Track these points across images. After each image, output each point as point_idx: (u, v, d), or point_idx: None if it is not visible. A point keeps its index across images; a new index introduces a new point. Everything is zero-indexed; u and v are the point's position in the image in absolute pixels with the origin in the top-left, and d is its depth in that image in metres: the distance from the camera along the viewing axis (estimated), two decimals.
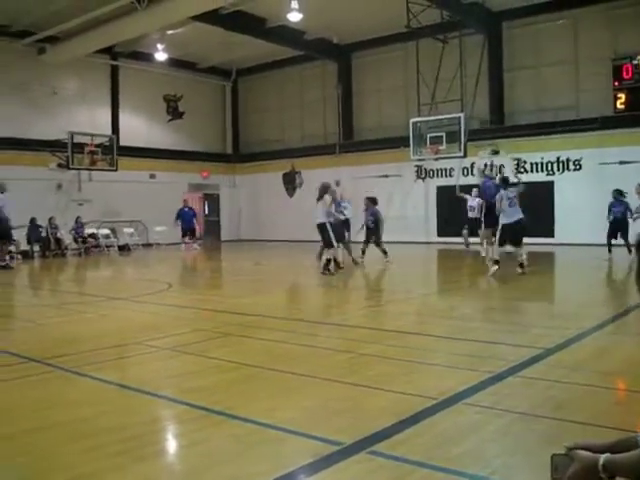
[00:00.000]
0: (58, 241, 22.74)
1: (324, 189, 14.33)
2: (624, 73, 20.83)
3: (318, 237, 14.47)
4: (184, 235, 25.06)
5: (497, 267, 13.01)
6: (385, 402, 4.54)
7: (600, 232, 18.52)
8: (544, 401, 4.46)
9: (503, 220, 13.10)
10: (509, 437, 3.83)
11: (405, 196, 24.68)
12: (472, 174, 23.81)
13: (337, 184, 26.15)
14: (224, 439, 3.84)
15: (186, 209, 25.32)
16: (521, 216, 13.02)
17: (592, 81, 21.78)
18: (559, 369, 5.32)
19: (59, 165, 24.54)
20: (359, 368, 5.64)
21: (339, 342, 6.73)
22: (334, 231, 14.22)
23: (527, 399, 4.52)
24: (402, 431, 3.87)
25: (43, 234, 22.56)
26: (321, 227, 14.12)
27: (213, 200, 32.11)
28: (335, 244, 14.27)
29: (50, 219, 22.65)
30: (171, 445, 4.01)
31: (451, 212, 21.59)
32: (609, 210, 16.69)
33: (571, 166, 22.04)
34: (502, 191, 13.15)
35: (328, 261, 14.16)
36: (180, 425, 4.27)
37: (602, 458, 1.88)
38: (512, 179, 14.17)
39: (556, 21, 22.75)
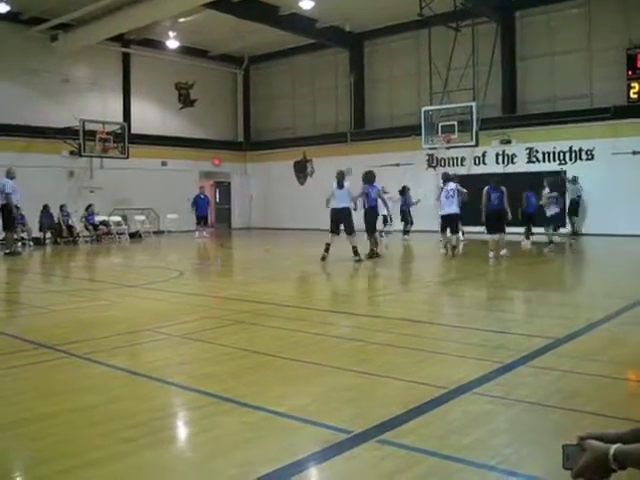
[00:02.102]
0: (70, 228, 22.84)
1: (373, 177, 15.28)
2: (638, 62, 20.67)
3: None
4: (198, 222, 25.11)
5: (445, 251, 15.27)
6: (395, 391, 4.54)
7: (612, 222, 18.49)
8: (555, 391, 4.45)
9: (440, 211, 15.52)
10: (519, 427, 3.82)
11: (416, 185, 24.62)
12: (484, 163, 23.81)
13: (349, 172, 26.20)
14: (234, 426, 3.85)
15: (202, 196, 25.38)
16: (455, 211, 15.27)
17: (606, 70, 21.63)
18: (570, 359, 5.31)
19: (71, 152, 24.63)
20: (369, 357, 5.64)
21: (349, 330, 6.73)
22: (368, 221, 15.18)
23: (538, 389, 4.51)
24: (411, 420, 3.86)
25: (55, 221, 22.67)
26: (347, 212, 14.34)
27: (224, 188, 32.17)
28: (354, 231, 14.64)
29: (62, 206, 22.74)
30: (182, 432, 4.03)
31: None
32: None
33: (583, 156, 21.91)
34: (445, 185, 15.45)
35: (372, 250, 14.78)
36: (190, 412, 4.28)
37: (613, 448, 1.87)
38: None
39: (570, 9, 22.59)
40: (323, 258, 14.02)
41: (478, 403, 4.22)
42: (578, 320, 7.19)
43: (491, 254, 14.24)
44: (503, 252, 14.39)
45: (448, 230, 15.27)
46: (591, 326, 6.74)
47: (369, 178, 15.31)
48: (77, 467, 3.26)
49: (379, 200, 15.69)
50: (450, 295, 10.19)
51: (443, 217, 15.33)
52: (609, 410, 4.02)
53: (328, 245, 14.15)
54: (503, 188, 14.78)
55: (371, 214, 15.30)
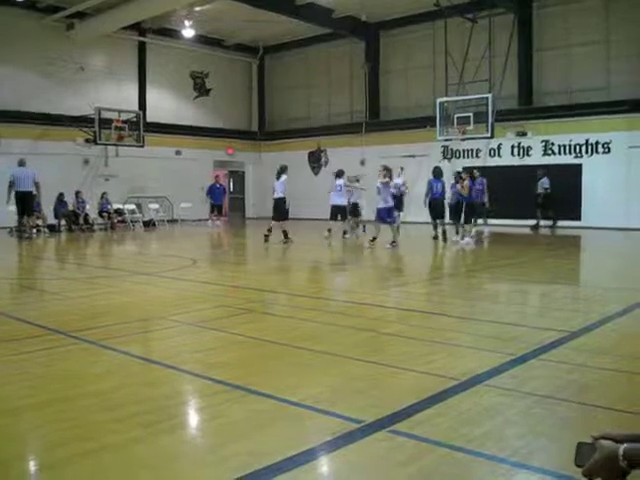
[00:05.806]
0: (85, 216, 22.94)
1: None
2: None
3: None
4: (212, 211, 25.16)
5: (328, 234, 16.76)
6: (406, 382, 4.55)
7: (629, 215, 18.34)
8: (567, 384, 4.44)
9: (330, 202, 17.46)
10: (530, 420, 3.81)
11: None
12: (499, 155, 23.70)
13: (362, 163, 26.14)
14: (245, 414, 3.86)
15: (217, 185, 25.39)
16: (337, 202, 17.19)
17: (623, 62, 21.44)
18: (583, 352, 5.29)
19: (86, 140, 24.70)
20: (381, 347, 5.65)
21: (362, 321, 6.73)
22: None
23: (549, 382, 4.50)
24: (423, 411, 3.87)
25: (70, 208, 22.78)
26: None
27: (238, 177, 32.20)
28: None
29: (77, 193, 22.84)
30: (193, 419, 4.05)
31: None
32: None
33: (600, 149, 21.75)
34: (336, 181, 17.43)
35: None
36: (202, 399, 4.31)
37: (622, 447, 1.87)
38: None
39: (587, 0, 22.35)
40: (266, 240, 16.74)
41: (490, 395, 4.22)
42: (592, 314, 7.16)
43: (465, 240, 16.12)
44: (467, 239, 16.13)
45: (339, 217, 17.47)
46: (605, 320, 6.71)
47: (435, 172, 17.36)
48: (92, 451, 3.29)
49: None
50: (461, 287, 10.16)
51: (332, 207, 17.27)
52: (621, 404, 4.01)
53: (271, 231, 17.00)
54: (484, 180, 17.16)
55: (435, 204, 17.16)
